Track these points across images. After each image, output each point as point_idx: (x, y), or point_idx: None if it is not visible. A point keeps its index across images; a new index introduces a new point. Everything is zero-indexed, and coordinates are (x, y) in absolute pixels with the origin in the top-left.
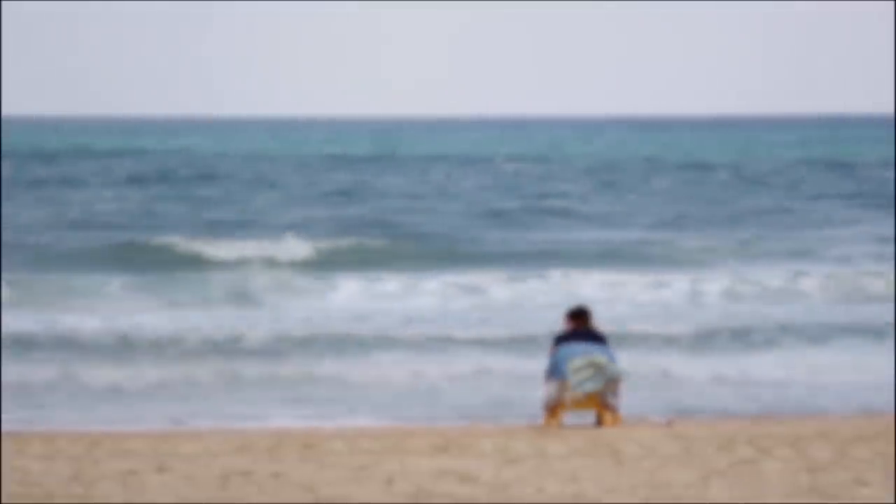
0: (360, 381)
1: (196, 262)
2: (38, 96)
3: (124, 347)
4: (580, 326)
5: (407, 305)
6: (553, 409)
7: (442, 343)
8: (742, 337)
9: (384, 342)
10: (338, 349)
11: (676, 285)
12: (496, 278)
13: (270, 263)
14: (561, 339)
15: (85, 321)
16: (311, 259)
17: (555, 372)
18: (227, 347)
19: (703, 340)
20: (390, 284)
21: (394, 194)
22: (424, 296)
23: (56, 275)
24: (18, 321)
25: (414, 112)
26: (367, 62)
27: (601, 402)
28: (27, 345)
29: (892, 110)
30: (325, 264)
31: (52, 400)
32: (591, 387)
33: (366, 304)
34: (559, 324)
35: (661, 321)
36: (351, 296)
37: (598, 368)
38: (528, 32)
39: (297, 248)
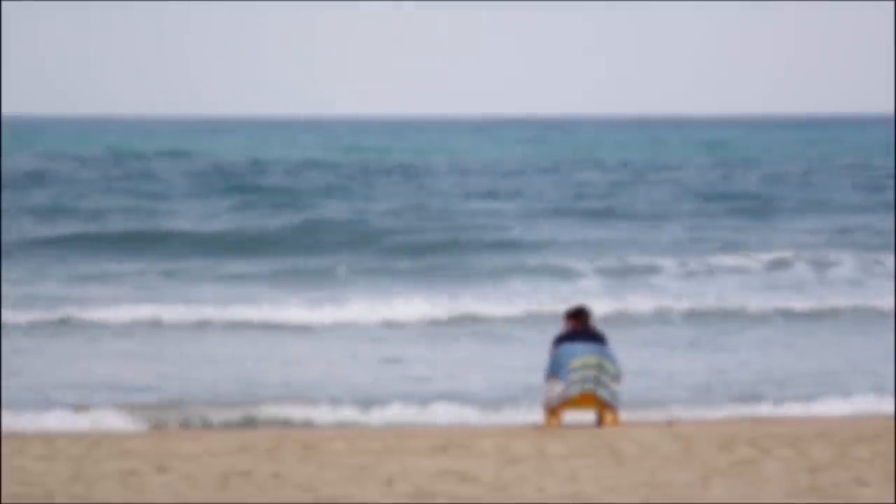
0: None
1: None
2: (38, 96)
3: None
4: (579, 326)
5: None
6: (553, 409)
7: None
8: None
9: None
10: None
11: None
12: None
13: None
14: (560, 340)
15: None
16: None
17: (554, 372)
18: None
19: None
20: None
21: None
22: None
23: None
24: None
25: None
26: (364, 61)
27: (601, 402)
28: None
29: (892, 110)
30: None
31: None
32: (591, 387)
33: None
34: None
35: None
36: None
37: (598, 368)
38: (522, 32)
39: None
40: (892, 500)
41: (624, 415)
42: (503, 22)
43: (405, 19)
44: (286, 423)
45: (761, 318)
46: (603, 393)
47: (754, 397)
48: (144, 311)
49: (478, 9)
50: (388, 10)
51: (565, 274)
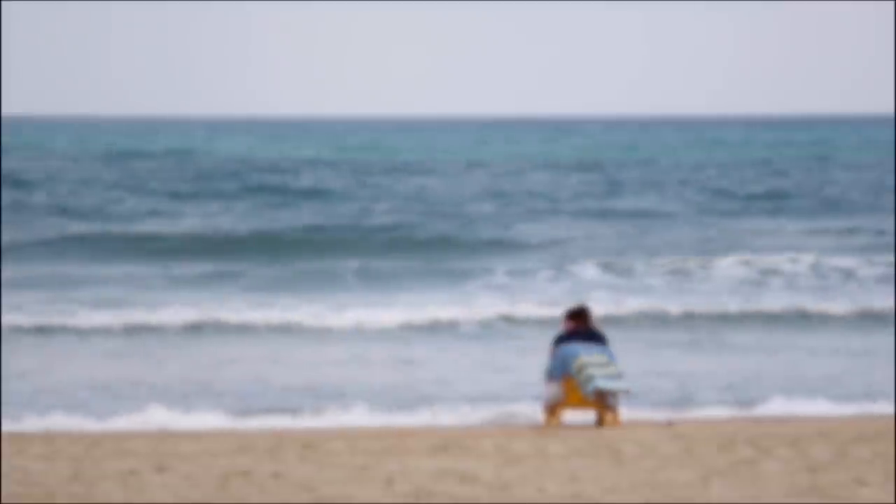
0: None
1: None
2: (38, 96)
3: None
4: (579, 326)
5: None
6: (553, 409)
7: None
8: None
9: None
10: None
11: None
12: None
13: None
14: (561, 340)
15: None
16: None
17: (555, 372)
18: None
19: None
20: None
21: None
22: None
23: None
24: None
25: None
26: (362, 61)
27: (602, 402)
28: None
29: (892, 110)
30: None
31: None
32: (607, 383)
33: None
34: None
35: None
36: None
37: (601, 367)
38: (522, 32)
39: None
40: (893, 500)
41: (624, 415)
42: (507, 21)
43: (407, 18)
44: (286, 424)
45: (762, 319)
46: (615, 385)
47: (754, 397)
48: (149, 314)
49: (481, 8)
50: (392, 9)
51: (567, 274)
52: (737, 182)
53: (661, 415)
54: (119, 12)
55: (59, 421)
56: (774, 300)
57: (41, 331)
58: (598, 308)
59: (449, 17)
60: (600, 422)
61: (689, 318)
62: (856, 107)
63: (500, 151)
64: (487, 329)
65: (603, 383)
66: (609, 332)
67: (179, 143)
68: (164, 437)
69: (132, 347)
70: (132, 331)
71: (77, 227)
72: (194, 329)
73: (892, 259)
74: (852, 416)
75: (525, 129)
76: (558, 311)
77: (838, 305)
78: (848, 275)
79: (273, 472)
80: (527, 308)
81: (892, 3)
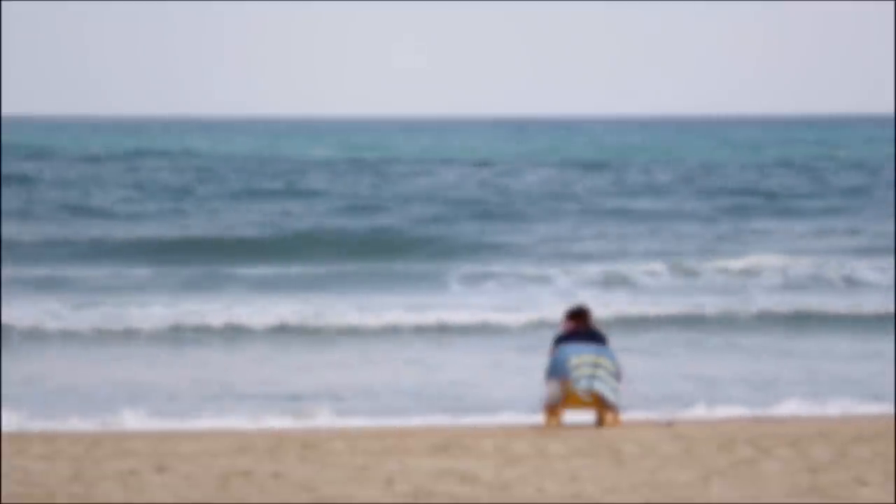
0: None
1: None
2: (38, 96)
3: None
4: (579, 326)
5: None
6: (553, 409)
7: None
8: None
9: None
10: None
11: None
12: None
13: None
14: (560, 340)
15: None
16: None
17: (555, 372)
18: None
19: None
20: None
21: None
22: None
23: None
24: None
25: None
26: (365, 61)
27: (602, 402)
28: None
29: (892, 110)
30: None
31: None
32: (591, 384)
33: None
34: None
35: None
36: None
37: (594, 367)
38: (523, 31)
39: None
40: (892, 500)
41: (624, 415)
42: (509, 22)
43: (409, 18)
44: (286, 424)
45: (765, 320)
46: (601, 387)
47: (757, 398)
48: (149, 314)
49: (484, 8)
50: (394, 8)
51: (571, 274)
52: (741, 182)
53: (661, 415)
54: (119, 12)
55: (60, 421)
56: (777, 301)
57: (41, 331)
58: (601, 309)
59: (451, 17)
60: (600, 422)
61: (692, 319)
62: (856, 107)
63: (507, 151)
64: (488, 329)
65: (594, 384)
66: (612, 333)
67: (180, 143)
68: (164, 437)
69: (132, 348)
70: (132, 331)
71: (77, 228)
72: (194, 329)
73: (893, 260)
74: (852, 416)
75: (528, 130)
76: (560, 311)
77: (840, 306)
78: (850, 275)
79: (273, 472)
80: (528, 308)
81: (892, 3)
